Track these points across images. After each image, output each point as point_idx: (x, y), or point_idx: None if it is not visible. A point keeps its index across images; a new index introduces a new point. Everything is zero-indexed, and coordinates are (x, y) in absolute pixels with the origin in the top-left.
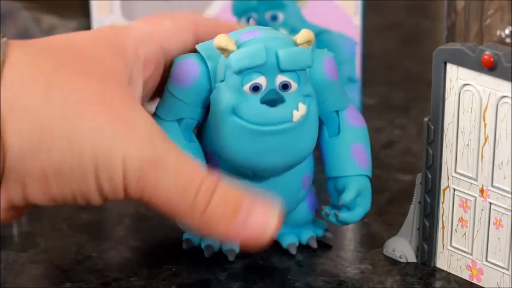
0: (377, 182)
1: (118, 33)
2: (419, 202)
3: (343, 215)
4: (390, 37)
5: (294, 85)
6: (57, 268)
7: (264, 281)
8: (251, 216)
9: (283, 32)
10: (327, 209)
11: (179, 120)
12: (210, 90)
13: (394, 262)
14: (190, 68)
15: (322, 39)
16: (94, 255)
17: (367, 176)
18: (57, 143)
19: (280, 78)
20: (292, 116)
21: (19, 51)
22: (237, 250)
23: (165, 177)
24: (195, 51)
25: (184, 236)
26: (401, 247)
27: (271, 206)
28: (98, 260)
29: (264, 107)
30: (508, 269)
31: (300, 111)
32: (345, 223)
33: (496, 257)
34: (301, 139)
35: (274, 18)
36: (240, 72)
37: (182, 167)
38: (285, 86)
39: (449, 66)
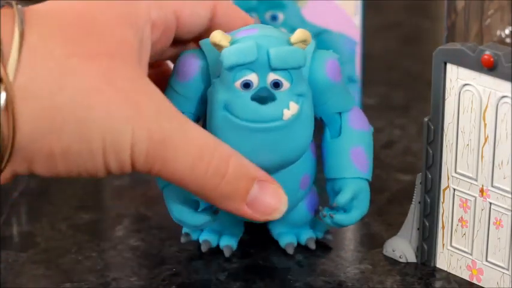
0: (377, 182)
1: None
2: (419, 202)
3: (339, 217)
4: (390, 37)
5: (285, 84)
6: (57, 268)
7: (264, 281)
8: (263, 194)
9: (283, 31)
10: (324, 211)
11: None
12: (209, 86)
13: (394, 262)
14: (190, 63)
15: (322, 39)
16: (94, 255)
17: (366, 179)
18: (67, 128)
19: (272, 77)
20: (282, 114)
21: (36, 33)
22: (234, 247)
23: (173, 155)
24: (208, 27)
25: (183, 230)
26: (401, 247)
27: (278, 184)
28: (98, 260)
29: (254, 104)
30: (508, 269)
31: (291, 110)
32: (340, 225)
33: (496, 257)
34: (293, 138)
35: (274, 18)
36: (231, 68)
37: (190, 144)
38: (276, 85)
39: (449, 66)
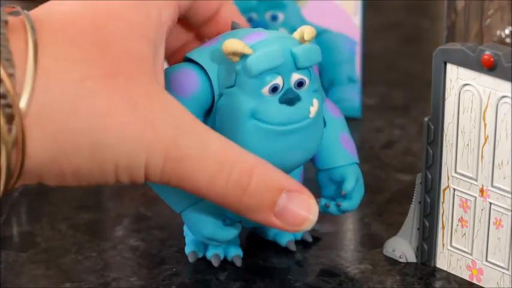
0: (377, 182)
1: (141, 2)
2: (419, 202)
3: (345, 204)
4: (390, 37)
5: (307, 82)
6: (57, 268)
7: (264, 281)
8: (291, 204)
9: (283, 31)
10: (326, 201)
11: None
12: (213, 99)
13: (394, 262)
14: (189, 79)
15: (322, 39)
16: (94, 255)
17: (357, 163)
18: (79, 152)
19: (296, 76)
20: (309, 112)
21: (49, 54)
22: (241, 255)
23: (190, 172)
24: (212, 20)
25: (188, 250)
26: (401, 247)
27: (309, 193)
28: (98, 260)
29: (284, 106)
30: (508, 269)
31: (314, 107)
32: (345, 212)
33: (496, 257)
34: (316, 133)
35: (274, 18)
36: (260, 74)
37: (209, 159)
38: (300, 84)
39: (449, 66)
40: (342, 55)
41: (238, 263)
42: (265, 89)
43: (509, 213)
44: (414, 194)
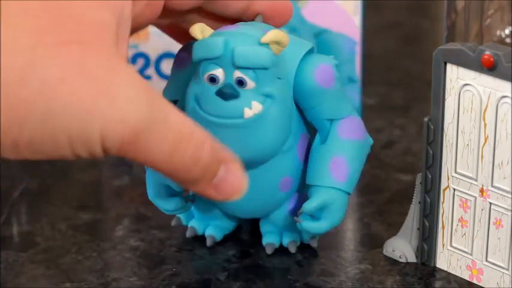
0: (377, 182)
1: None
2: (419, 202)
3: (306, 223)
4: (390, 37)
5: (250, 83)
6: (57, 268)
7: (264, 281)
8: (228, 175)
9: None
10: (301, 216)
11: (175, 102)
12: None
13: (394, 262)
14: (185, 51)
15: (322, 39)
16: (94, 255)
17: (344, 191)
18: (30, 122)
19: (237, 74)
20: (243, 112)
21: (1, 22)
22: (218, 238)
23: (151, 144)
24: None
25: (189, 224)
26: (401, 247)
27: (240, 165)
28: (98, 260)
29: (218, 99)
30: (508, 269)
31: (253, 110)
32: (308, 232)
33: (496, 257)
34: (257, 138)
35: None
36: (199, 61)
37: (169, 131)
38: (240, 82)
39: (449, 66)
40: (342, 55)
41: (209, 242)
42: (205, 77)
43: (509, 213)
44: (414, 194)
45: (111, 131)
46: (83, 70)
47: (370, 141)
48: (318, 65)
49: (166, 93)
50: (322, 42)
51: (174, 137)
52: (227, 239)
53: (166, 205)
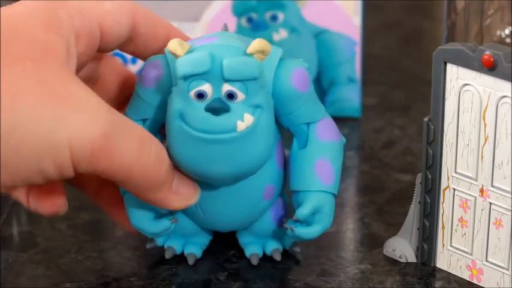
0: (377, 182)
1: (53, 4)
2: (419, 202)
3: (299, 230)
4: (390, 37)
5: (240, 95)
6: (57, 268)
7: (264, 281)
8: (181, 180)
9: (284, 32)
10: (288, 223)
11: (144, 121)
12: (170, 93)
13: (394, 262)
14: (154, 69)
15: (322, 39)
16: (94, 255)
17: (331, 193)
18: None
19: (226, 87)
20: (236, 126)
21: None
22: (199, 255)
23: (119, 147)
24: (131, 37)
25: (166, 244)
26: (401, 247)
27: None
28: (98, 260)
29: (208, 114)
30: (508, 269)
31: (245, 122)
32: (301, 239)
33: (496, 257)
34: (248, 150)
35: (274, 18)
36: (185, 78)
37: (132, 133)
38: (231, 96)
39: (449, 66)
40: (342, 55)
41: (191, 261)
42: (192, 93)
43: (509, 213)
44: (414, 194)
45: (80, 136)
46: (38, 81)
47: (344, 140)
48: (293, 70)
49: (131, 112)
50: (322, 42)
51: (139, 139)
52: (227, 239)
53: (153, 228)
